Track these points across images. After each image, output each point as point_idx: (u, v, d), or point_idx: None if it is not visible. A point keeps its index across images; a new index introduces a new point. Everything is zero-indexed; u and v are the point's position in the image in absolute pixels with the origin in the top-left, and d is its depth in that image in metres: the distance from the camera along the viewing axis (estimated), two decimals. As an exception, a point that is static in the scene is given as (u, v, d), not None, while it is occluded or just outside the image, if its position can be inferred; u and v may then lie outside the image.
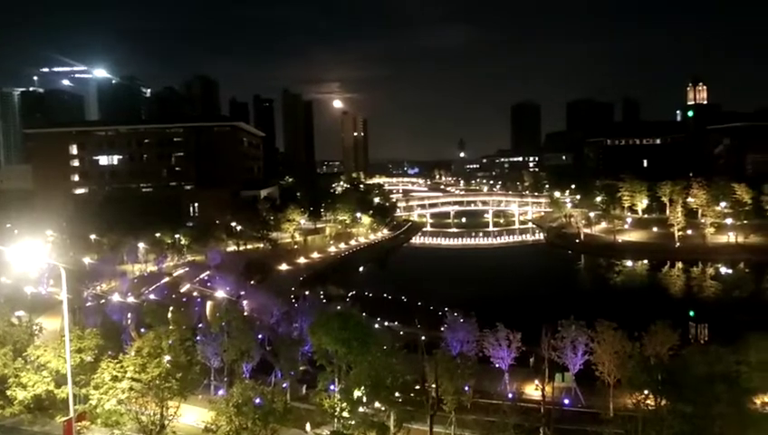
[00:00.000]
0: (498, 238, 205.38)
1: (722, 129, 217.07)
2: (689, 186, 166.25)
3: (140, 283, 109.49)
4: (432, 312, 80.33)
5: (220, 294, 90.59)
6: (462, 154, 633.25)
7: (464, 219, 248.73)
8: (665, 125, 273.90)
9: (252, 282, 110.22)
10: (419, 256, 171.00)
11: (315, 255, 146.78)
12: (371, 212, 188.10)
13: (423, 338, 57.68)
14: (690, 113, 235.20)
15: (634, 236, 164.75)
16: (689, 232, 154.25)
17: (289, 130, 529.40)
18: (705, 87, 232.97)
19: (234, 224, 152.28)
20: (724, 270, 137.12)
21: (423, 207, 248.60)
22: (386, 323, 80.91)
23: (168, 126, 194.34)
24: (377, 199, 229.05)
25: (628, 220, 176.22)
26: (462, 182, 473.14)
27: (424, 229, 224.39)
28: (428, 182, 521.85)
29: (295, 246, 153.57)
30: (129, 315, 76.87)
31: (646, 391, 41.71)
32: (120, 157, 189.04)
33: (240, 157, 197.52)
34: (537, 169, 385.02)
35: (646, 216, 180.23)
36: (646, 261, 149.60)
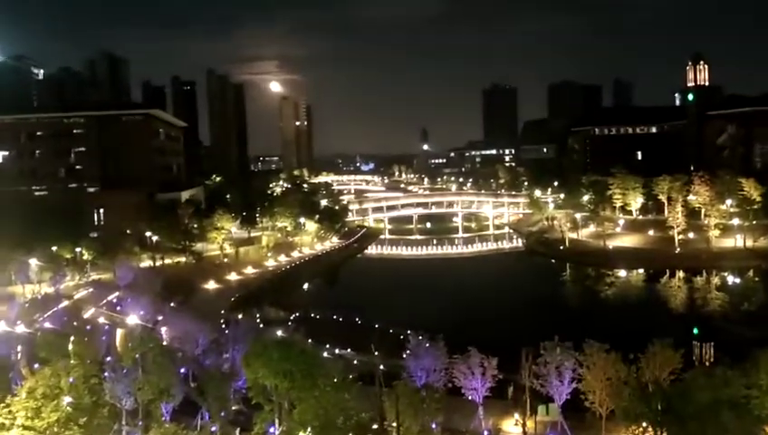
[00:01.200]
0: (470, 246, 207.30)
1: (726, 114, 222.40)
2: (690, 181, 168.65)
3: (33, 308, 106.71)
4: (392, 335, 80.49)
5: (133, 319, 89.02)
6: (425, 147, 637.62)
7: (429, 224, 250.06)
8: (661, 111, 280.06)
9: (172, 304, 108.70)
10: (376, 270, 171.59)
11: (250, 270, 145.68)
12: (318, 217, 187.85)
13: (381, 367, 57.85)
14: (690, 97, 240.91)
15: (627, 241, 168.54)
16: (691, 235, 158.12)
17: (216, 120, 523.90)
18: (706, 66, 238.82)
19: (148, 234, 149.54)
20: (731, 279, 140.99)
21: (380, 210, 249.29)
22: (336, 351, 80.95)
23: (67, 115, 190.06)
24: (324, 202, 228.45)
25: (621, 222, 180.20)
26: (426, 180, 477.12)
27: (381, 237, 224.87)
28: (386, 180, 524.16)
29: (225, 260, 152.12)
30: (18, 348, 75.10)
31: (644, 424, 42.60)
32: (6, 153, 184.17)
33: (155, 152, 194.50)
34: (514, 164, 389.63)
35: (641, 217, 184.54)
36: (641, 270, 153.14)
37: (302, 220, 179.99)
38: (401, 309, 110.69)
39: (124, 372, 56.64)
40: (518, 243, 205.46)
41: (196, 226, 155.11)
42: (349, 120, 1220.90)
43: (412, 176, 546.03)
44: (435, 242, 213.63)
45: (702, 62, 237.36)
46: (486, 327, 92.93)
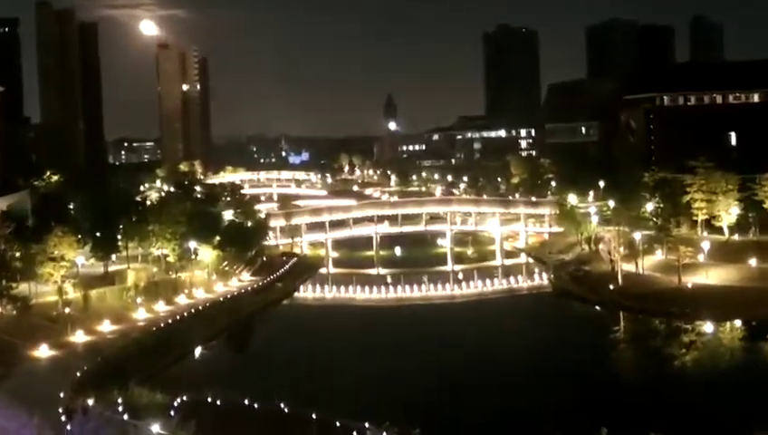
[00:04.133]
0: (464, 286, 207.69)
1: None
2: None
3: None
4: (339, 431, 80.00)
5: None
6: (393, 126, 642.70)
7: (398, 250, 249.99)
8: (764, 68, 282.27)
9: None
10: (313, 324, 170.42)
11: (107, 326, 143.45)
12: (219, 241, 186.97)
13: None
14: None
15: (716, 277, 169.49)
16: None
17: (51, 82, 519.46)
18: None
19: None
20: None
21: (319, 227, 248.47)
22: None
23: None
24: (229, 215, 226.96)
25: (706, 246, 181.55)
26: (394, 178, 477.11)
27: (322, 271, 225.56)
28: (329, 180, 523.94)
29: (67, 310, 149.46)
30: None
31: None
32: None
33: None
34: (534, 153, 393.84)
35: (737, 237, 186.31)
36: (739, 322, 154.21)
37: (192, 245, 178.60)
38: (354, 388, 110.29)
39: None
40: (542, 279, 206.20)
41: (18, 254, 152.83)
42: (269, 84, 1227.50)
43: (371, 172, 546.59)
44: (408, 279, 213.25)
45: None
46: (491, 417, 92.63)
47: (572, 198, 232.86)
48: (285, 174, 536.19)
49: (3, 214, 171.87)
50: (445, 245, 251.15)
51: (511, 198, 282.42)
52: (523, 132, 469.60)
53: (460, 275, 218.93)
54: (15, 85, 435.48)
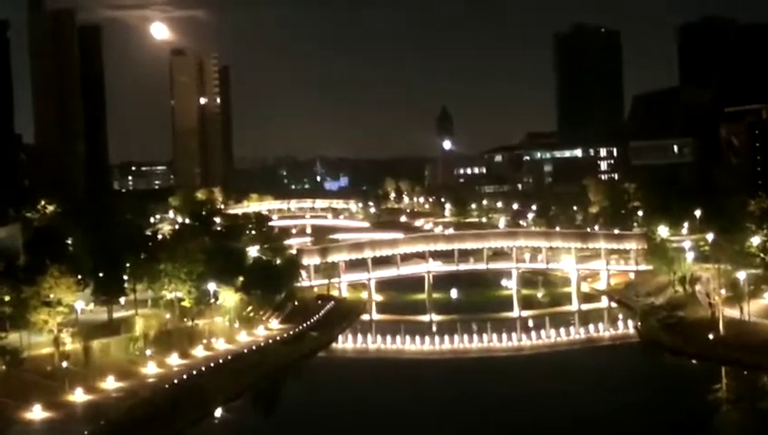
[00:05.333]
0: (534, 336, 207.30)
1: None
2: None
3: None
4: None
5: None
6: (448, 145, 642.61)
7: (454, 292, 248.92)
8: None
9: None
10: (355, 382, 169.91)
11: (111, 383, 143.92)
12: (242, 282, 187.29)
13: None
14: None
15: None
16: None
17: (46, 95, 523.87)
18: None
19: None
20: None
21: (361, 265, 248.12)
22: None
23: None
24: (254, 251, 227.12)
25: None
26: (449, 207, 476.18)
27: (364, 317, 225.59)
28: (372, 209, 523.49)
29: (65, 365, 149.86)
30: None
31: None
32: None
33: None
34: (617, 177, 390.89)
35: None
36: None
37: (211, 287, 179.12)
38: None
39: None
40: (627, 327, 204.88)
41: (7, 299, 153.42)
42: (302, 97, 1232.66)
43: (422, 200, 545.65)
44: (466, 328, 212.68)
45: None
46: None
47: (663, 231, 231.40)
48: (320, 203, 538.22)
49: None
50: (510, 286, 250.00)
51: (589, 230, 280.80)
52: (602, 152, 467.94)
53: (529, 323, 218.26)
54: (4, 99, 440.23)
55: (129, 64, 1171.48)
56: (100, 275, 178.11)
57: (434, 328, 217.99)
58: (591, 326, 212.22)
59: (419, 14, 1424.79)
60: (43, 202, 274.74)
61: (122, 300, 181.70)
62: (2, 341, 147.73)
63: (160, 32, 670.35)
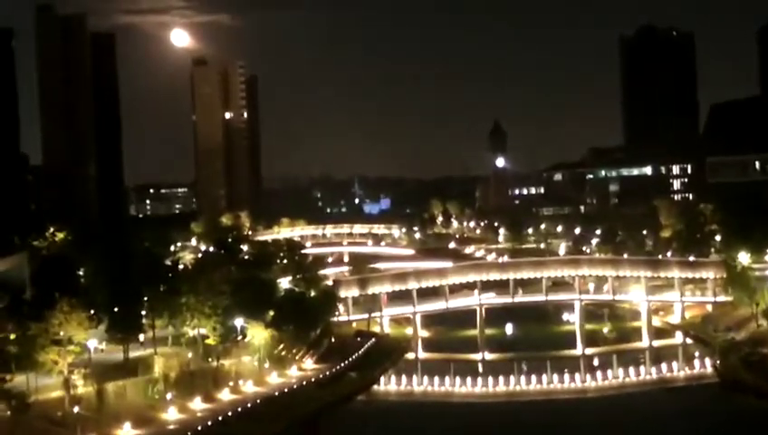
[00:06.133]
0: (600, 376, 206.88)
1: None
2: None
3: None
4: None
5: None
6: (501, 163, 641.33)
7: (510, 327, 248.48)
8: None
9: None
10: (399, 428, 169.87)
11: (128, 429, 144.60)
12: (273, 315, 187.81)
13: None
14: None
15: None
16: None
17: (56, 110, 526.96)
18: None
19: None
20: None
21: (405, 297, 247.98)
22: None
23: None
24: (286, 282, 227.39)
25: None
26: (503, 232, 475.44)
27: (409, 356, 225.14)
28: (417, 234, 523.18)
29: (76, 410, 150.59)
30: None
31: None
32: None
33: None
34: (691, 197, 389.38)
35: None
36: None
37: (238, 323, 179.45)
38: None
39: None
40: (704, 366, 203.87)
41: (13, 337, 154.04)
42: (337, 109, 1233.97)
43: (472, 224, 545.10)
44: (524, 367, 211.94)
45: None
46: None
47: (744, 257, 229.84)
48: (359, 228, 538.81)
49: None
50: (572, 320, 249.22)
51: (661, 257, 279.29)
52: (675, 169, 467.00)
53: (593, 362, 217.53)
54: (9, 115, 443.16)
55: (147, 75, 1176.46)
56: (116, 309, 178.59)
57: (487, 368, 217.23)
58: (664, 365, 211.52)
59: (467, 17, 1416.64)
60: (51, 229, 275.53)
61: (140, 337, 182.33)
62: (7, 383, 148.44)
63: (180, 39, 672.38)
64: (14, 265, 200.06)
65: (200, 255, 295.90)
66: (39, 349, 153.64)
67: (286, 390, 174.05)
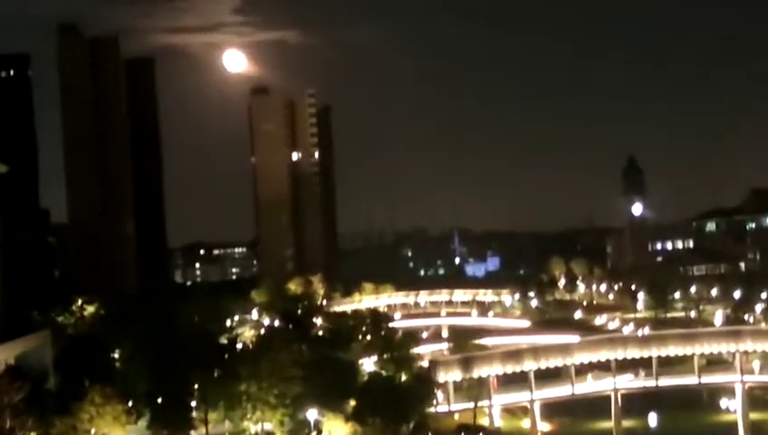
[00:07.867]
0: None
1: None
2: None
3: None
4: None
5: None
6: (638, 210, 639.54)
7: (653, 417, 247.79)
8: None
9: None
10: None
11: None
12: (354, 406, 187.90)
13: None
14: None
15: None
16: None
17: (83, 154, 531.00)
18: None
19: None
20: None
21: (520, 381, 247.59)
22: None
23: None
24: (371, 364, 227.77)
25: None
26: (642, 297, 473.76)
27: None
28: (534, 301, 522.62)
29: None
30: None
31: None
32: None
33: None
34: None
35: None
36: None
37: (311, 415, 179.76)
38: None
39: None
40: None
41: (33, 434, 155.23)
42: (431, 148, 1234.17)
43: (603, 287, 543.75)
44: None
45: None
46: None
47: None
48: (461, 294, 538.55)
49: (10, 370, 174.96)
50: (733, 408, 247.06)
51: None
52: None
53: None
54: (27, 160, 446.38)
55: (194, 109, 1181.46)
56: (159, 400, 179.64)
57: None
58: None
59: (590, 44, 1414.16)
60: (79, 301, 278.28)
61: (191, 434, 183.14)
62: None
63: (235, 62, 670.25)
64: (34, 346, 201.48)
65: (263, 330, 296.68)
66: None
67: None
